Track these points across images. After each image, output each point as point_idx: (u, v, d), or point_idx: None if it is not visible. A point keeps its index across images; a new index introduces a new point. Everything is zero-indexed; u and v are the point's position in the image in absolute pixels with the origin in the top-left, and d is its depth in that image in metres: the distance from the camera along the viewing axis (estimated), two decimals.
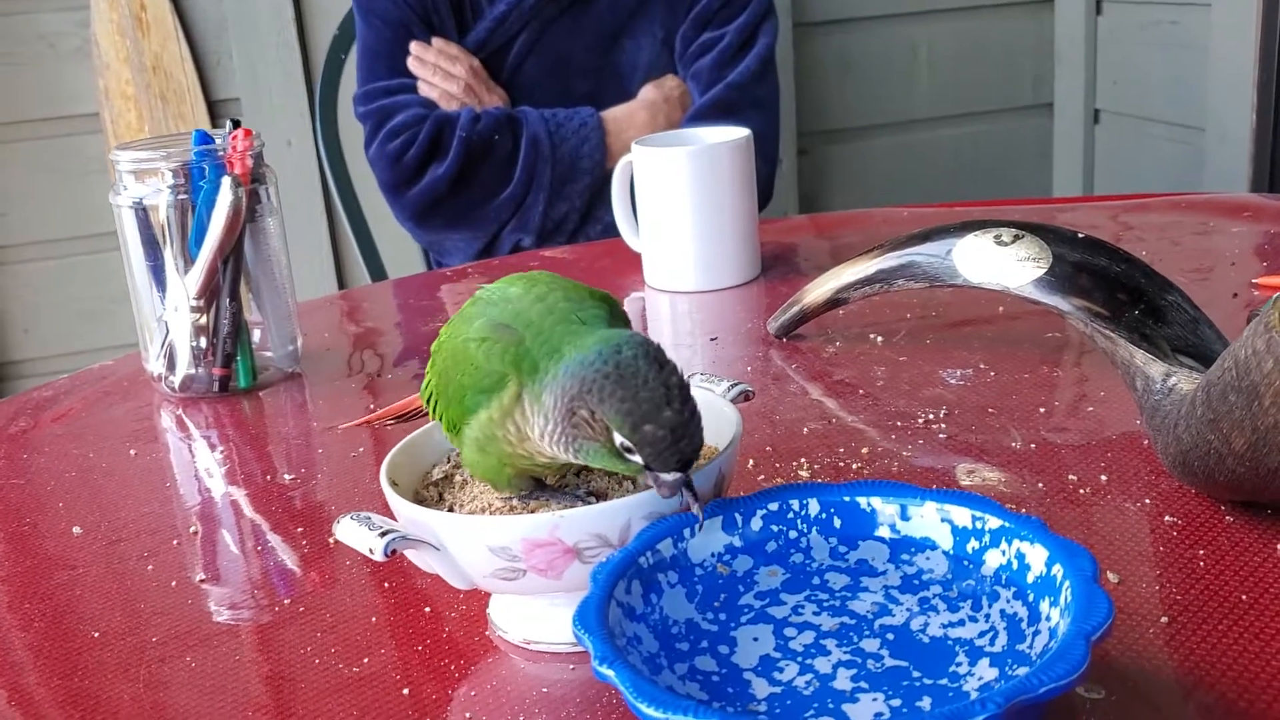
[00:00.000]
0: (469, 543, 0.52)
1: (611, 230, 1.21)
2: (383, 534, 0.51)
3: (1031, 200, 1.38)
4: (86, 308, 2.11)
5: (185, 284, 0.91)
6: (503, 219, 1.50)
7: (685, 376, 0.49)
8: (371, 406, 0.89)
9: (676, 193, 1.07)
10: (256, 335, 0.96)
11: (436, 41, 1.48)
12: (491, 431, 0.52)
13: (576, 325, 0.51)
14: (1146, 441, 0.70)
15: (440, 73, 1.47)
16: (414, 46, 1.48)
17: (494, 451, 0.53)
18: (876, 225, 1.24)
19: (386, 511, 0.55)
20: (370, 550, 0.51)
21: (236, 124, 0.93)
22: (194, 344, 0.92)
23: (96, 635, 0.61)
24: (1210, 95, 1.98)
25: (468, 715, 0.51)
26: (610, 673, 0.42)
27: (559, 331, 0.51)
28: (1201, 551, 0.58)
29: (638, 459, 0.48)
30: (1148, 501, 0.64)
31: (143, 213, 0.92)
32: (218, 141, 0.93)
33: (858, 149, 2.39)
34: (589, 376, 0.48)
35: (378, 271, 1.71)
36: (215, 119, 2.04)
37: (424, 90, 1.49)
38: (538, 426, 0.51)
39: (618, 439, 0.48)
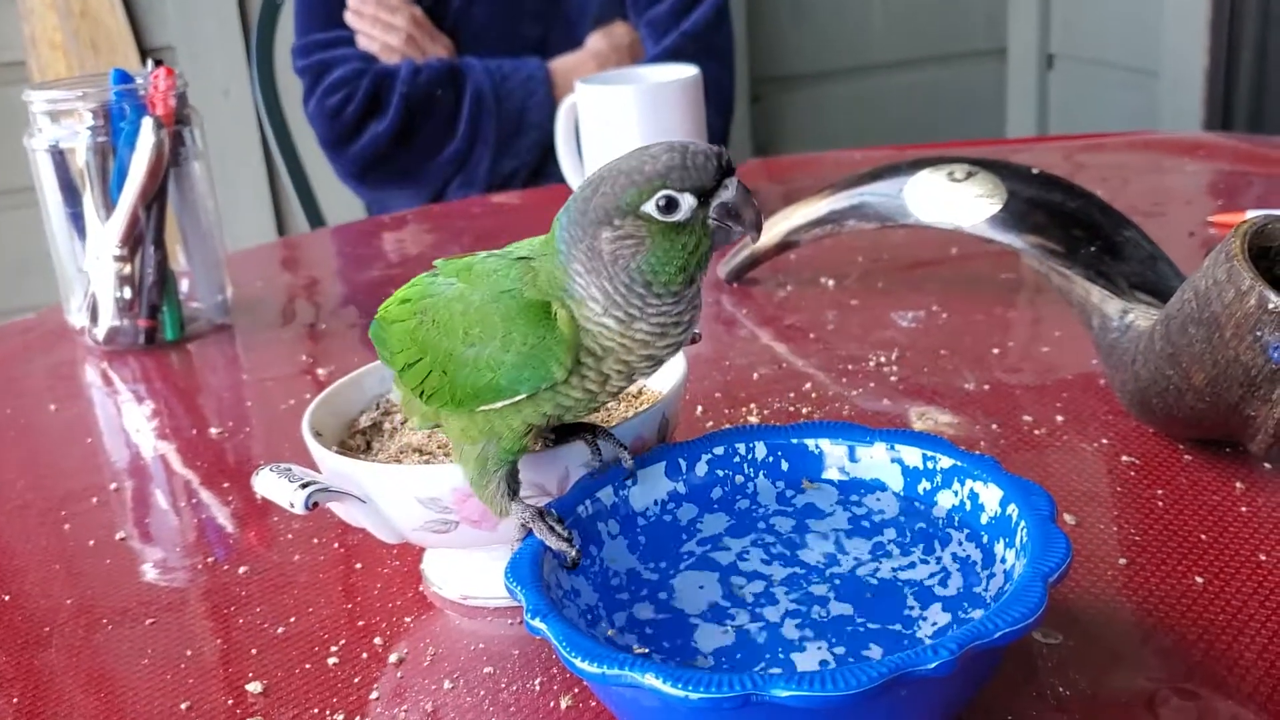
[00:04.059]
0: (396, 494, 0.49)
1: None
2: (303, 486, 0.48)
3: (985, 141, 1.36)
4: (17, 263, 2.04)
5: (107, 231, 0.87)
6: (447, 176, 1.46)
7: None
8: (305, 358, 0.85)
9: (623, 133, 1.03)
10: (184, 285, 0.92)
11: None
12: (564, 379, 0.45)
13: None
14: (1103, 380, 0.68)
15: (379, 24, 1.42)
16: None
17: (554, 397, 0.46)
18: (829, 169, 1.21)
19: (315, 464, 0.52)
20: (290, 504, 0.48)
21: (159, 63, 0.88)
22: (118, 295, 0.88)
23: (7, 599, 0.58)
24: (1164, 38, 1.96)
25: (400, 675, 0.49)
26: (543, 626, 0.40)
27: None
28: (1160, 491, 0.57)
29: (685, 201, 0.42)
30: (1105, 442, 0.62)
31: (60, 156, 0.88)
32: (138, 81, 0.88)
33: (811, 95, 2.35)
34: (577, 209, 0.44)
35: (317, 221, 1.66)
36: None
37: (363, 44, 1.44)
38: (595, 308, 0.44)
39: (648, 208, 0.42)
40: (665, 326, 0.45)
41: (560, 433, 0.51)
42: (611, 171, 0.43)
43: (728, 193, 0.43)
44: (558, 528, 0.46)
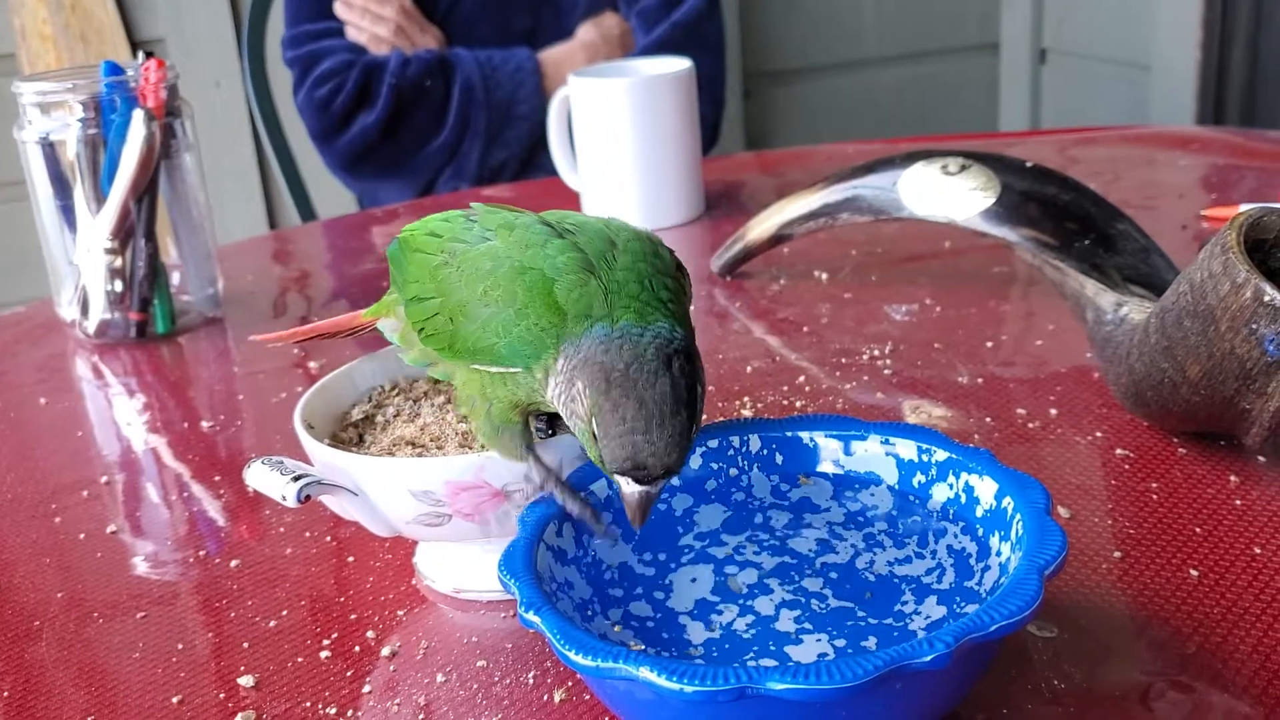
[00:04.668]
0: (388, 487, 0.49)
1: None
2: (295, 479, 0.48)
3: (977, 135, 1.36)
4: (8, 256, 2.03)
5: (97, 224, 0.87)
6: (437, 167, 1.45)
7: (700, 392, 0.43)
8: (297, 351, 0.85)
9: (616, 127, 1.03)
10: (175, 278, 0.91)
11: None
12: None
13: (642, 292, 0.44)
14: (1097, 374, 0.68)
15: (369, 15, 1.42)
16: None
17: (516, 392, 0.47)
18: (822, 162, 1.21)
19: (307, 457, 0.52)
20: (282, 497, 0.48)
21: (149, 54, 0.88)
22: (109, 287, 0.88)
23: None
24: (1156, 32, 1.96)
25: (392, 669, 0.49)
26: (536, 619, 0.40)
27: (624, 295, 0.44)
28: (1154, 485, 0.57)
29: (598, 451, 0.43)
30: (1099, 435, 0.62)
31: (50, 149, 0.87)
32: (129, 73, 0.87)
33: (803, 90, 2.35)
34: (595, 347, 0.42)
35: (309, 215, 1.66)
36: None
37: (352, 35, 1.43)
38: (550, 381, 0.44)
39: (594, 422, 0.42)
40: None
41: (555, 424, 0.50)
42: (626, 370, 0.41)
43: (630, 489, 0.42)
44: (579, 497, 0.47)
